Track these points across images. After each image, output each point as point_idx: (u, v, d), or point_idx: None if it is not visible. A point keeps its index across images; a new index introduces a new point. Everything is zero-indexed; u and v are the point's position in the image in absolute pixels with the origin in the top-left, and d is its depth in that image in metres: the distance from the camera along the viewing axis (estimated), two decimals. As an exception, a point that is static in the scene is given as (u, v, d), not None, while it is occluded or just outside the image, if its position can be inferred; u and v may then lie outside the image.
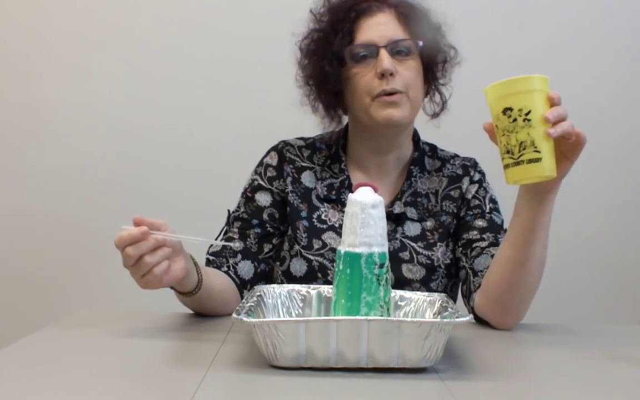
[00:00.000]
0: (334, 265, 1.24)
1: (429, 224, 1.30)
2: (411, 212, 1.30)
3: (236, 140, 2.08)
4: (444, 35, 1.31)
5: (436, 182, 1.34)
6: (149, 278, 1.00)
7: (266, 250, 1.31)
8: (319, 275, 1.25)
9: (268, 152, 1.37)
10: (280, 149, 1.36)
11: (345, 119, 1.37)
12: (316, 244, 1.28)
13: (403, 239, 1.28)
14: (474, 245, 1.26)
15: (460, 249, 1.28)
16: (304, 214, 1.30)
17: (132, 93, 2.12)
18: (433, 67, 1.30)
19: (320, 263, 1.26)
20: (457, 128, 2.03)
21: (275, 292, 1.07)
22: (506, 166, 0.98)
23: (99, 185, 2.13)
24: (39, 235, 2.14)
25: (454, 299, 1.32)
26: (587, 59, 2.12)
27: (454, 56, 1.32)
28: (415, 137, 1.37)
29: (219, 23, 2.12)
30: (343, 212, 1.28)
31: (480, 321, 1.20)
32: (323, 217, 1.30)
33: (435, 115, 1.35)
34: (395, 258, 1.25)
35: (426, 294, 1.06)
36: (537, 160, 0.95)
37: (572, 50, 2.11)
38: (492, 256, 1.22)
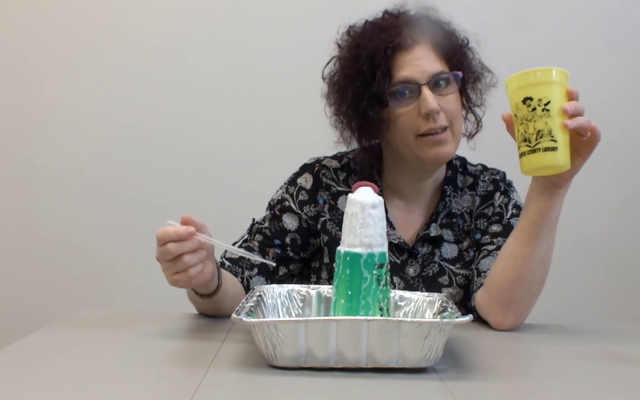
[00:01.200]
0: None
1: (465, 244, 1.28)
2: (447, 234, 1.28)
3: (234, 144, 2.08)
4: (473, 53, 1.28)
5: (469, 200, 1.31)
6: (181, 277, 1.00)
7: (281, 272, 1.29)
8: None
9: (302, 172, 1.33)
10: (317, 172, 1.31)
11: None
12: None
13: (441, 263, 1.27)
14: (482, 248, 1.26)
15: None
16: None
17: (131, 96, 2.12)
18: (467, 89, 1.27)
19: None
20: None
21: (275, 292, 1.07)
22: (522, 154, 1.01)
23: (98, 186, 2.13)
24: (39, 236, 2.14)
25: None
26: (588, 59, 2.11)
27: (487, 77, 1.28)
28: None
29: (219, 26, 2.12)
30: None
31: (481, 321, 1.20)
32: None
33: (470, 136, 1.32)
34: (434, 282, 1.25)
35: (426, 294, 1.06)
36: (554, 149, 0.98)
37: (572, 51, 2.10)
38: (495, 258, 1.21)
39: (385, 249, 0.94)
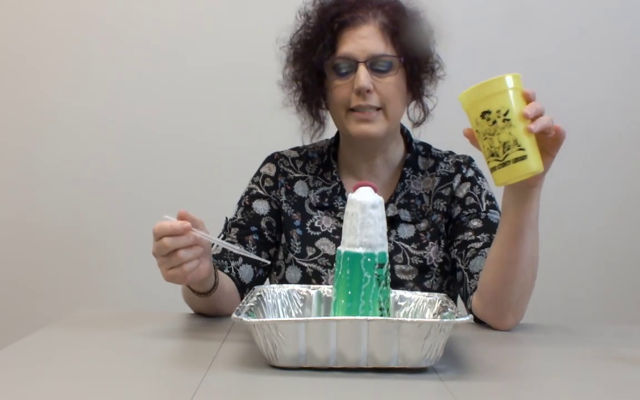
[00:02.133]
0: (328, 271, 1.26)
1: (423, 225, 1.30)
2: (404, 214, 1.30)
3: (235, 143, 2.08)
4: (434, 46, 1.29)
5: (430, 182, 1.33)
6: (176, 272, 1.00)
7: (264, 257, 1.31)
8: (314, 281, 1.26)
9: (265, 163, 1.39)
10: (276, 159, 1.38)
11: (328, 122, 1.36)
12: (310, 251, 1.28)
13: (397, 242, 1.28)
14: (468, 246, 1.25)
15: (456, 250, 1.28)
16: (297, 223, 1.31)
17: (131, 95, 2.12)
18: (419, 77, 1.28)
19: (315, 269, 1.27)
20: (457, 127, 2.04)
21: (275, 292, 1.07)
22: (493, 169, 0.98)
23: (99, 186, 2.13)
24: (39, 236, 2.14)
25: (453, 299, 1.32)
26: (588, 59, 2.11)
27: (438, 70, 1.30)
28: (408, 138, 1.37)
29: (219, 26, 2.12)
30: (337, 218, 1.30)
31: (480, 322, 1.20)
32: (316, 224, 1.31)
33: (417, 124, 1.35)
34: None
35: (426, 294, 1.06)
36: (523, 157, 0.95)
37: (572, 51, 2.10)
38: (486, 257, 1.21)
39: (385, 249, 0.94)
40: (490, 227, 1.25)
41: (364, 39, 1.22)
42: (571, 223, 2.07)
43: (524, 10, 2.09)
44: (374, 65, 1.22)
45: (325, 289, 1.08)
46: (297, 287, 1.10)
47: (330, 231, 1.29)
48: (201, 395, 0.77)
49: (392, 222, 1.29)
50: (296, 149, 1.40)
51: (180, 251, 0.99)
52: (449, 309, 0.95)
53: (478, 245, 1.24)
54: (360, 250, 0.92)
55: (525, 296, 1.14)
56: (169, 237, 0.98)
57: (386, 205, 1.29)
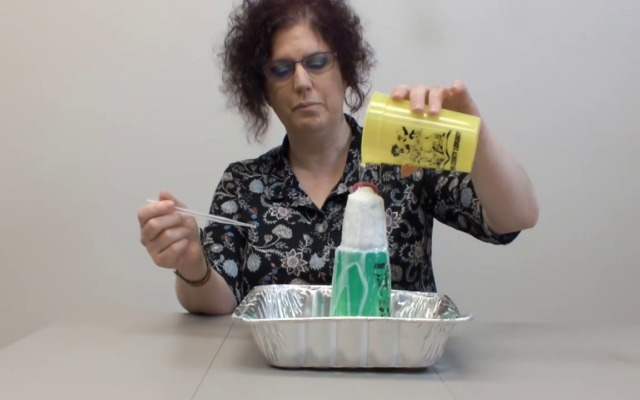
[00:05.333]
0: (286, 253, 1.29)
1: None
2: None
3: (236, 143, 2.08)
4: (361, 36, 1.35)
5: None
6: (166, 253, 1.02)
7: (242, 251, 1.35)
8: (273, 264, 1.29)
9: (225, 173, 1.45)
10: (231, 167, 1.45)
11: (271, 117, 1.41)
12: (267, 239, 1.32)
13: None
14: (449, 188, 1.26)
15: (442, 201, 1.28)
16: (254, 216, 1.36)
17: (131, 96, 2.12)
18: (351, 66, 1.34)
19: (273, 254, 1.30)
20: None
21: (275, 292, 1.07)
22: (452, 168, 0.90)
23: (99, 186, 2.13)
24: (39, 236, 2.14)
25: (415, 262, 1.30)
26: (587, 59, 2.11)
27: (368, 57, 1.37)
28: (353, 124, 1.43)
29: (220, 25, 2.12)
30: (292, 208, 1.34)
31: (481, 321, 1.19)
32: (272, 214, 1.35)
33: (354, 109, 1.41)
34: (341, 236, 1.28)
35: (426, 294, 1.06)
36: (459, 135, 0.87)
37: (573, 51, 2.10)
38: (468, 185, 1.20)
39: (385, 249, 0.94)
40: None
41: (298, 39, 1.27)
42: (571, 223, 2.07)
43: (525, 9, 2.09)
44: (310, 62, 1.27)
45: (325, 289, 1.08)
46: (297, 287, 1.10)
47: (287, 219, 1.33)
48: (201, 395, 0.77)
49: (343, 200, 1.27)
50: (251, 159, 1.47)
51: (167, 231, 1.01)
52: (449, 309, 0.95)
53: (455, 182, 1.25)
54: (360, 250, 0.92)
55: (529, 189, 1.09)
56: (154, 218, 1.00)
57: (336, 186, 1.34)
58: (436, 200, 1.31)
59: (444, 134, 0.87)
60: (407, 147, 0.88)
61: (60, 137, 2.13)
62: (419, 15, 2.06)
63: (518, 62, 2.07)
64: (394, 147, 0.89)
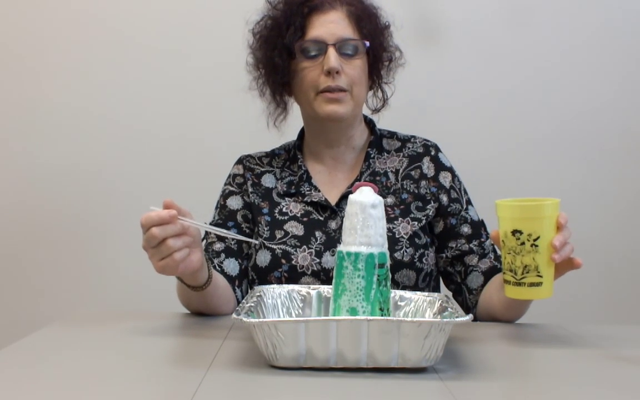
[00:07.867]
0: (297, 250, 1.28)
1: (389, 200, 1.33)
2: None
3: (236, 143, 2.08)
4: (391, 36, 1.37)
5: (396, 161, 1.38)
6: (167, 262, 1.01)
7: (246, 250, 1.35)
8: (283, 261, 1.28)
9: (234, 166, 1.44)
10: (242, 160, 1.44)
11: (291, 108, 1.41)
12: (278, 234, 1.31)
13: None
14: (464, 259, 1.32)
15: (450, 259, 1.33)
16: (265, 210, 1.35)
17: (131, 96, 2.12)
18: (378, 65, 1.36)
19: (284, 250, 1.29)
20: (449, 121, 2.04)
21: (275, 292, 1.07)
22: (507, 281, 1.03)
23: (99, 186, 2.13)
24: (39, 235, 2.14)
25: (428, 268, 1.32)
26: (588, 59, 2.11)
27: (398, 57, 1.38)
28: (371, 125, 1.43)
29: (220, 25, 2.12)
30: (304, 202, 1.34)
31: (481, 321, 1.21)
32: (284, 210, 1.34)
33: (376, 110, 1.42)
34: None
35: (426, 294, 1.06)
36: (539, 284, 1.01)
37: (573, 50, 2.10)
38: (482, 273, 1.29)
39: (385, 249, 0.94)
40: (476, 231, 1.33)
41: (333, 24, 1.28)
42: (571, 223, 2.06)
43: (525, 9, 2.09)
44: (342, 48, 1.28)
45: (325, 289, 1.08)
46: (297, 287, 1.10)
47: (299, 215, 1.33)
48: (201, 395, 0.77)
49: None
50: (262, 151, 1.46)
51: (169, 240, 1.00)
52: (449, 309, 0.96)
53: (474, 260, 1.31)
54: (360, 250, 0.92)
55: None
56: (157, 226, 0.99)
57: (353, 183, 1.34)
58: (444, 252, 1.33)
59: (539, 273, 1.01)
60: (523, 243, 1.00)
61: (61, 137, 2.13)
62: (419, 15, 2.05)
63: (518, 62, 2.07)
64: (520, 232, 1.00)
